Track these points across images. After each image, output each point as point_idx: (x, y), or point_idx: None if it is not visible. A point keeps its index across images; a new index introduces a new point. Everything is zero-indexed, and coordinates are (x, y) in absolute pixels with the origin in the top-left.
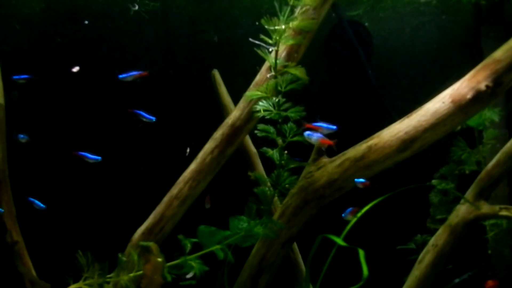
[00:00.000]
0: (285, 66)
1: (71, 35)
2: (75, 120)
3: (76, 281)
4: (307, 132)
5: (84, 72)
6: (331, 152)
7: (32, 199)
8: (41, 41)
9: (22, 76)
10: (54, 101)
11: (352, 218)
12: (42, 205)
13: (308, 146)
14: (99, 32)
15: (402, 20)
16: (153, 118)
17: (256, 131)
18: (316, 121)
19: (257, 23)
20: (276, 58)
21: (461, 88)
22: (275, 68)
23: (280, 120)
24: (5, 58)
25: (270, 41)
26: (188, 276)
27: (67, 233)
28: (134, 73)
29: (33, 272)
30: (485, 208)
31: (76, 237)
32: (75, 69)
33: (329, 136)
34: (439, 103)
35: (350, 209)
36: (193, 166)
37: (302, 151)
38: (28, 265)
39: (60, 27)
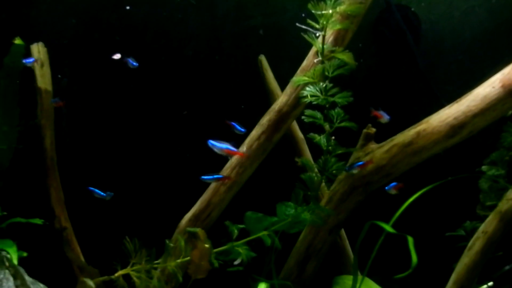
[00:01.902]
0: (332, 51)
1: (118, 22)
2: (122, 106)
3: (123, 267)
4: (210, 142)
5: (131, 59)
6: (380, 137)
7: (92, 188)
8: (88, 29)
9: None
10: (101, 88)
11: (395, 192)
12: (103, 193)
13: (356, 132)
14: (145, 18)
15: (451, 4)
16: (244, 130)
17: (303, 117)
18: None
19: (303, 14)
20: (323, 43)
21: (511, 72)
22: (322, 53)
23: (327, 106)
24: (53, 46)
25: (317, 26)
26: (236, 262)
27: (115, 219)
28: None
29: (82, 258)
30: None
31: (123, 223)
32: (116, 56)
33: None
34: (489, 88)
35: (394, 183)
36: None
37: (349, 137)
38: (76, 251)
39: (106, 14)
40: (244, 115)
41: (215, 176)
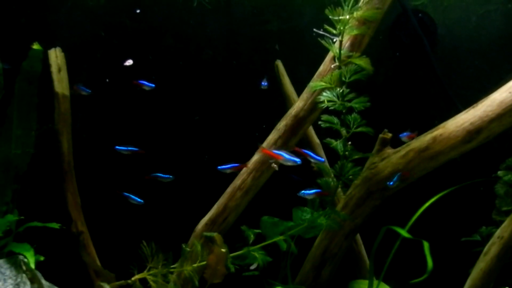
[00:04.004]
0: (349, 57)
1: (135, 27)
2: (138, 110)
3: (140, 271)
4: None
5: (148, 63)
6: (395, 143)
7: (127, 194)
8: (105, 33)
9: None
10: (119, 93)
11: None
12: (139, 199)
13: (372, 137)
14: (162, 23)
15: (468, 9)
16: (323, 160)
17: (319, 122)
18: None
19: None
20: (340, 48)
21: None
22: (339, 59)
23: (344, 111)
24: (71, 50)
25: (334, 31)
26: (252, 267)
27: (131, 223)
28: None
29: (98, 262)
30: None
31: (140, 227)
32: (128, 62)
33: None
34: (505, 93)
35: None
36: (256, 157)
37: (366, 142)
38: (92, 255)
39: (123, 19)
40: (261, 120)
41: (233, 165)
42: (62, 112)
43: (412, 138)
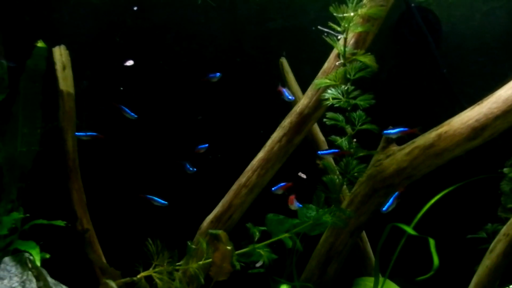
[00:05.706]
0: (354, 54)
1: (139, 24)
2: (142, 109)
3: (146, 268)
4: None
5: (152, 61)
6: (401, 140)
7: (150, 196)
8: (109, 31)
9: None
10: (123, 91)
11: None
12: (162, 201)
13: (377, 135)
14: (166, 20)
15: (472, 6)
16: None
17: (324, 119)
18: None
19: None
20: (344, 46)
21: None
22: (343, 56)
23: (349, 108)
24: (75, 48)
25: (338, 29)
26: (257, 264)
27: (137, 221)
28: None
29: (103, 260)
30: None
31: (145, 225)
32: (129, 63)
33: None
34: (510, 90)
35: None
36: (261, 154)
37: (371, 139)
38: (98, 252)
39: (127, 17)
40: (266, 117)
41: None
42: (66, 110)
43: (405, 134)
